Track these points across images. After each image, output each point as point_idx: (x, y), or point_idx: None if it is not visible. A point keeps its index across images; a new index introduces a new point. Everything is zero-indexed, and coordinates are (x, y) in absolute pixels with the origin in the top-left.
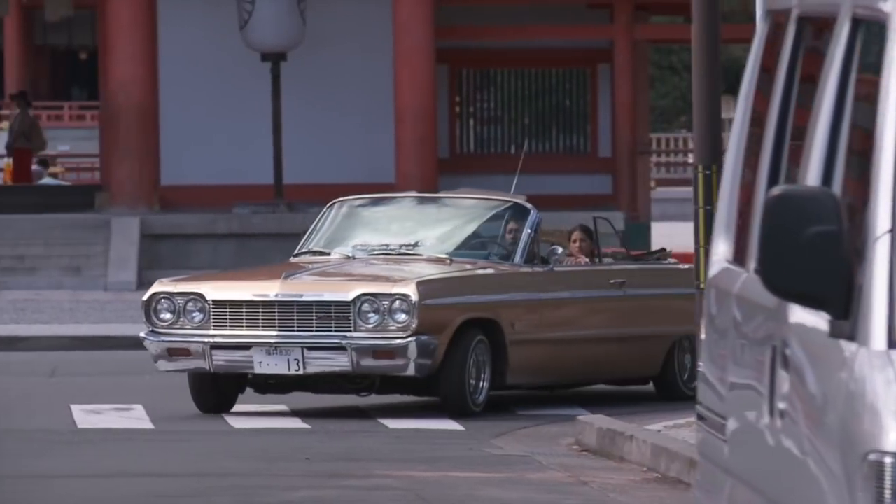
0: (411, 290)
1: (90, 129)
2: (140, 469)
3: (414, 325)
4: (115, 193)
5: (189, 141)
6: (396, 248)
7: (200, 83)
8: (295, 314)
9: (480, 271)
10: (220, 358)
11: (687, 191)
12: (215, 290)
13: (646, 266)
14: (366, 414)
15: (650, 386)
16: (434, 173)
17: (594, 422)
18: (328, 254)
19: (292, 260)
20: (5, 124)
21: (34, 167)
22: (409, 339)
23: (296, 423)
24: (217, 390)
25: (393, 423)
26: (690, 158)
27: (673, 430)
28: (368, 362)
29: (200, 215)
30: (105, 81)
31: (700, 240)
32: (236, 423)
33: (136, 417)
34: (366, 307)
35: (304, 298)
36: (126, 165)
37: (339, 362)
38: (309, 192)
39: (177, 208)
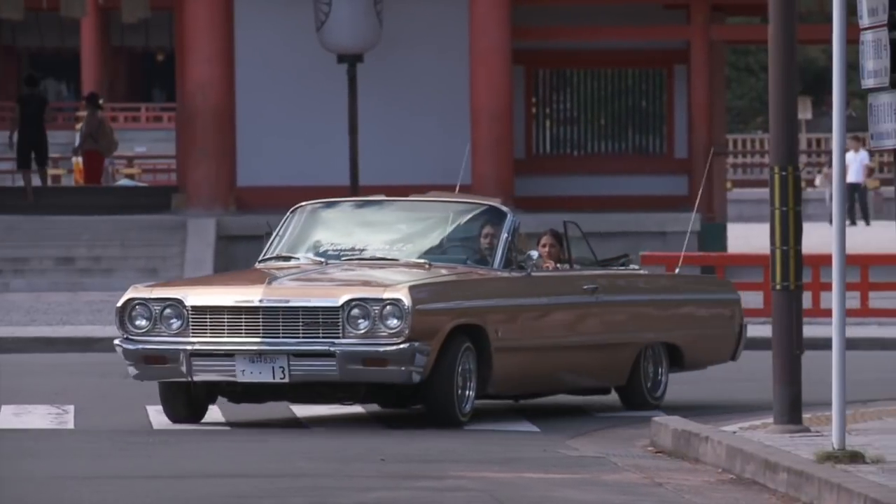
0: (404, 295)
1: (167, 131)
2: (215, 470)
3: (407, 332)
4: (191, 195)
5: (265, 142)
6: (370, 252)
7: (277, 85)
8: (280, 320)
9: (467, 276)
10: (201, 366)
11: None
12: (195, 296)
13: (618, 272)
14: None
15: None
16: (510, 175)
17: (669, 423)
18: (297, 258)
19: (258, 266)
20: (82, 126)
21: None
22: (403, 345)
23: (371, 424)
24: (189, 399)
25: (468, 425)
26: (767, 159)
27: (748, 431)
28: (358, 370)
29: (276, 217)
30: (182, 83)
31: (776, 241)
32: (312, 423)
33: (210, 419)
34: (355, 312)
35: (290, 304)
36: (202, 167)
37: (327, 370)
38: (384, 193)
39: (252, 210)
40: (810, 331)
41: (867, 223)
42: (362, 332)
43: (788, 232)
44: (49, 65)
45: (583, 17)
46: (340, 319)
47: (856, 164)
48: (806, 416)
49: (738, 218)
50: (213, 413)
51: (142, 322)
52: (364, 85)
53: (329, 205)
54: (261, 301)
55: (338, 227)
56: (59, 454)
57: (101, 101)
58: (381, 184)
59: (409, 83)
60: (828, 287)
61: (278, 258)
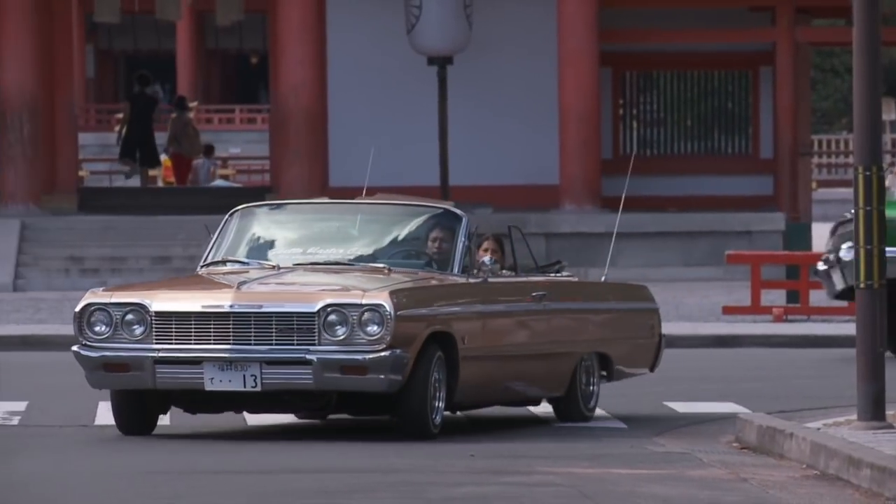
0: (385, 301)
1: (260, 132)
2: (307, 465)
3: (388, 339)
4: (284, 195)
5: (357, 143)
6: (324, 256)
7: (368, 86)
8: (252, 326)
9: (437, 282)
10: (165, 374)
11: (848, 192)
12: (159, 302)
13: (559, 279)
14: (529, 412)
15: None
16: (597, 175)
17: (754, 420)
18: (247, 263)
19: (200, 271)
20: (169, 128)
21: (198, 160)
22: (384, 352)
23: (463, 419)
24: (141, 410)
25: (557, 422)
26: (851, 160)
27: (832, 427)
28: (335, 378)
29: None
30: (275, 85)
31: (860, 240)
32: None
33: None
34: (333, 318)
35: (263, 309)
36: (295, 167)
37: (302, 378)
38: (474, 193)
39: None
40: None
41: None
42: (340, 338)
43: (872, 231)
44: (145, 67)
45: (669, 19)
46: (316, 326)
47: None
48: (889, 412)
49: (822, 218)
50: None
51: (101, 328)
52: (454, 86)
53: (271, 207)
54: (231, 306)
55: (285, 230)
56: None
57: (188, 105)
58: (470, 184)
59: (497, 85)
60: None
61: (225, 262)
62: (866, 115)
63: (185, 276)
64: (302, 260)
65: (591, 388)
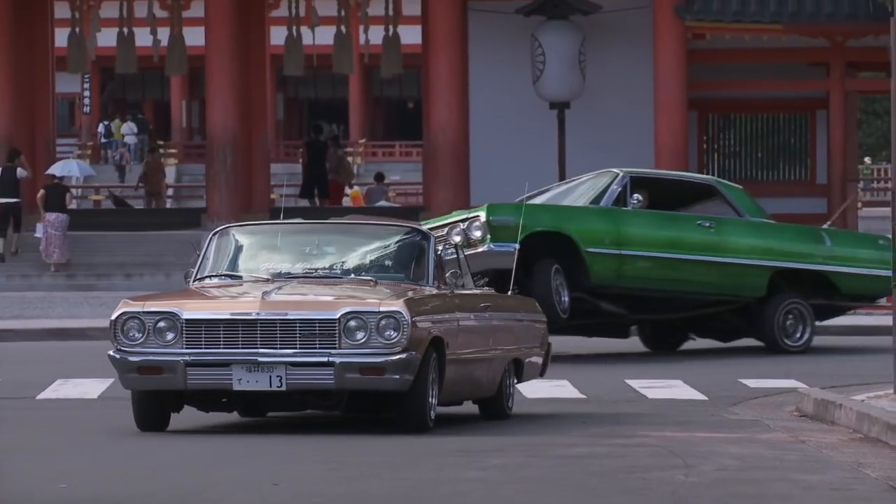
0: (402, 308)
1: (416, 163)
2: (448, 429)
3: (404, 342)
4: (434, 213)
5: (492, 171)
6: (313, 270)
7: (501, 126)
8: (278, 332)
9: (427, 292)
10: (196, 376)
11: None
12: (189, 310)
13: (492, 293)
14: (630, 387)
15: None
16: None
17: (811, 393)
18: (241, 276)
19: (194, 285)
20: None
21: (371, 186)
22: (402, 355)
23: (575, 394)
24: (160, 408)
25: (651, 395)
26: (889, 185)
27: (874, 399)
28: (355, 378)
29: None
30: (427, 125)
31: None
32: (528, 394)
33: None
34: (353, 324)
35: (288, 316)
36: (443, 191)
37: (324, 379)
38: None
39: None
40: None
41: None
42: (359, 342)
43: None
44: (323, 111)
45: (744, 72)
46: (337, 331)
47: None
48: None
49: (866, 230)
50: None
51: (136, 334)
52: (570, 126)
53: (250, 228)
54: (258, 314)
55: (268, 248)
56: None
57: (342, 142)
58: None
59: (605, 125)
60: None
61: (220, 276)
62: None
63: (179, 290)
64: (294, 274)
65: (511, 389)
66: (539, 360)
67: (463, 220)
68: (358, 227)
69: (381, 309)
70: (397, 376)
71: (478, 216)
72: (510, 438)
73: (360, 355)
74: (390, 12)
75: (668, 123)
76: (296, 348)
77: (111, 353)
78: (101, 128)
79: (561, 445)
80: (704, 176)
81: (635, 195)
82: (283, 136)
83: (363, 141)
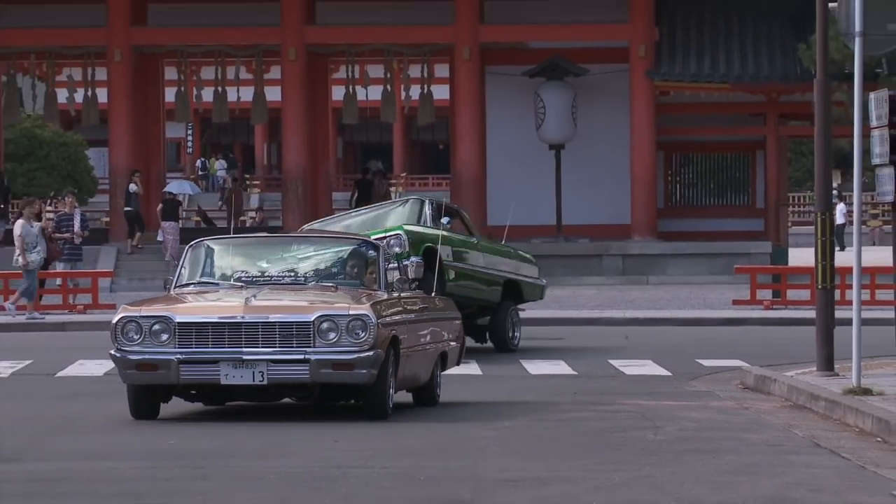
0: (370, 311)
1: (445, 192)
2: (469, 397)
3: (371, 341)
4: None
5: (504, 198)
6: (280, 277)
7: (511, 163)
8: (260, 333)
9: (383, 297)
10: (188, 371)
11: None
12: (181, 314)
13: (426, 296)
14: (612, 366)
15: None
16: (654, 218)
17: (752, 370)
18: (217, 284)
19: (174, 292)
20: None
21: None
22: (369, 352)
23: (569, 371)
24: (152, 399)
25: (628, 371)
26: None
27: (800, 375)
28: (328, 373)
29: (514, 244)
30: (454, 162)
31: (818, 258)
32: (532, 371)
33: (468, 369)
34: (325, 326)
35: (269, 319)
36: (469, 213)
37: (301, 373)
38: (577, 230)
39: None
40: (838, 314)
41: (842, 249)
42: (331, 341)
43: (826, 253)
44: (373, 151)
45: (700, 121)
46: (312, 332)
47: (838, 212)
48: (836, 366)
49: (794, 245)
50: (472, 366)
51: (134, 336)
52: (565, 163)
53: (221, 241)
54: (243, 317)
55: (239, 258)
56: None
57: (387, 175)
58: (574, 223)
59: (592, 163)
60: (849, 287)
61: (198, 284)
62: (822, 181)
63: (165, 296)
64: (264, 281)
65: (439, 378)
66: (457, 351)
67: (383, 238)
68: (317, 239)
69: (351, 312)
70: (364, 371)
71: (398, 234)
72: (519, 406)
73: (333, 353)
74: (425, 74)
75: (641, 161)
76: (275, 347)
77: (112, 352)
78: (199, 164)
79: (558, 411)
80: (450, 204)
81: (446, 217)
82: (342, 171)
83: (404, 175)
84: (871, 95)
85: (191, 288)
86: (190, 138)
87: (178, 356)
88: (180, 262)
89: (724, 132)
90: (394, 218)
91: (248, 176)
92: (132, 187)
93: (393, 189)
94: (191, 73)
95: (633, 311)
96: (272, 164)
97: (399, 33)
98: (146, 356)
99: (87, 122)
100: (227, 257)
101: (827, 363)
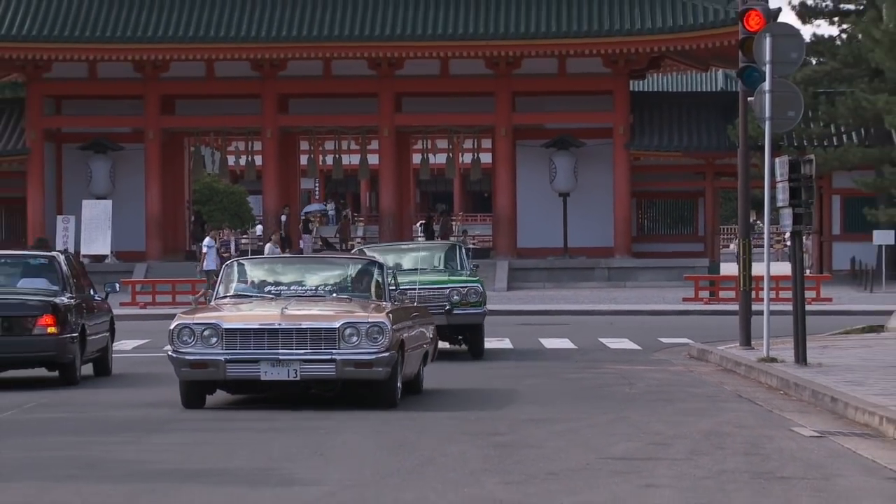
0: (386, 319)
1: (488, 225)
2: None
3: (387, 344)
4: (499, 253)
5: (529, 229)
6: (303, 291)
7: (533, 205)
8: (294, 338)
9: (390, 307)
10: (233, 369)
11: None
12: (227, 322)
13: (417, 305)
14: (601, 343)
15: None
16: (629, 242)
17: (695, 345)
18: (252, 296)
19: (215, 303)
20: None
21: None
22: (386, 353)
23: (571, 346)
24: (199, 392)
25: (612, 346)
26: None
27: (728, 349)
28: (351, 370)
29: (535, 260)
30: (494, 205)
31: (740, 269)
32: (547, 345)
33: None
34: (349, 331)
35: (301, 326)
36: (502, 239)
37: (328, 371)
38: (578, 251)
39: (524, 256)
40: (754, 308)
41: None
42: (353, 344)
43: (746, 265)
44: (440, 197)
45: (661, 178)
46: (337, 336)
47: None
48: (753, 343)
49: (724, 260)
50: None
51: (188, 339)
52: (570, 206)
53: (251, 261)
54: (279, 324)
55: (270, 274)
56: None
57: (450, 213)
58: (577, 246)
59: (588, 206)
60: (761, 289)
61: (234, 296)
62: (743, 218)
63: (210, 306)
64: (290, 293)
65: (422, 373)
66: (433, 350)
67: (463, 287)
68: (331, 259)
69: (370, 320)
70: (381, 369)
71: (477, 287)
72: (538, 369)
73: (355, 354)
74: (475, 146)
75: (621, 204)
76: (307, 349)
77: (169, 352)
78: (322, 207)
79: (564, 373)
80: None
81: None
82: (418, 211)
83: (461, 213)
84: (777, 160)
85: (228, 299)
86: (317, 188)
87: (226, 356)
88: (219, 278)
89: (677, 185)
90: (440, 259)
91: (355, 214)
92: (283, 217)
93: (454, 222)
94: (317, 144)
95: (615, 305)
96: (372, 206)
97: (457, 119)
98: (198, 356)
99: (247, 178)
100: (257, 274)
101: (746, 341)
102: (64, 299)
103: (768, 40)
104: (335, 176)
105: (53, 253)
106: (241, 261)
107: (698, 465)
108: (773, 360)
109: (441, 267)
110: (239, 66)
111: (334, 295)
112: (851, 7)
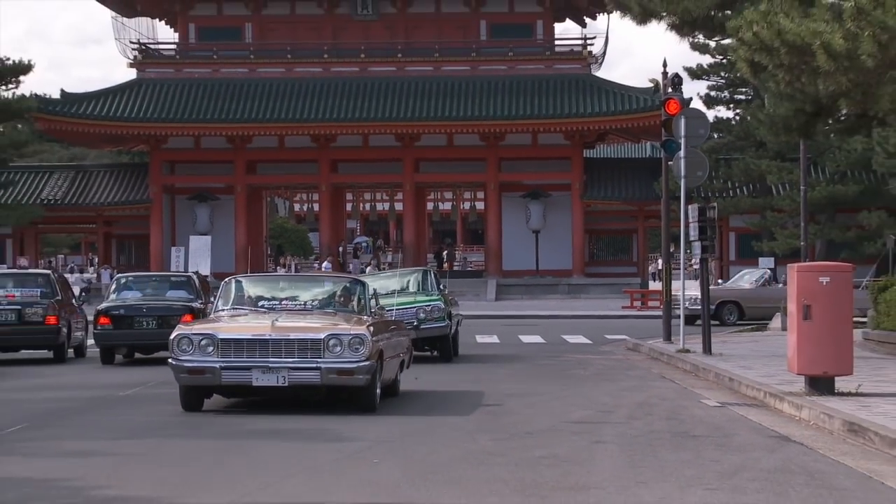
0: (366, 331)
1: (482, 254)
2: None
3: (367, 354)
4: (490, 273)
5: (511, 256)
6: (292, 305)
7: (513, 240)
8: (283, 347)
9: (372, 321)
10: (227, 375)
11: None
12: (222, 332)
13: (393, 319)
14: (562, 338)
15: None
16: (583, 266)
17: (631, 340)
18: (246, 309)
19: (213, 315)
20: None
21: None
22: (366, 362)
23: (541, 341)
24: (197, 396)
25: (570, 340)
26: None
27: (654, 343)
28: (334, 377)
29: (515, 278)
30: (486, 238)
31: (663, 285)
32: (525, 340)
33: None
34: (332, 342)
35: (290, 337)
36: (491, 265)
37: (313, 378)
38: (546, 272)
39: (507, 276)
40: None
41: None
42: (337, 354)
43: (667, 283)
44: (447, 233)
45: (606, 220)
46: (322, 346)
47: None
48: (672, 339)
49: (651, 280)
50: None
51: (187, 348)
52: (540, 240)
53: (247, 277)
54: (270, 335)
55: (263, 290)
56: None
57: (455, 245)
58: (546, 269)
59: (554, 240)
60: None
61: (231, 309)
62: (665, 249)
63: (208, 317)
64: (280, 307)
65: (399, 379)
66: (409, 358)
67: (427, 306)
68: (318, 277)
69: (352, 332)
70: (362, 376)
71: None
72: (517, 358)
73: (338, 363)
74: (472, 196)
75: (578, 238)
76: (294, 357)
77: (170, 360)
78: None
79: (537, 360)
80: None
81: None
82: (431, 243)
83: (462, 245)
84: (689, 207)
85: (225, 312)
86: (358, 227)
87: (221, 364)
88: (218, 293)
89: (617, 225)
90: (416, 282)
91: (386, 245)
92: (340, 248)
93: (457, 251)
94: (358, 195)
95: (573, 311)
96: (398, 240)
97: (459, 177)
98: (196, 364)
99: (308, 220)
100: (251, 289)
101: (668, 337)
102: (197, 304)
103: (683, 121)
104: (371, 218)
105: (189, 273)
106: (239, 278)
107: (633, 427)
108: (687, 351)
109: (414, 290)
110: (302, 140)
111: (321, 309)
112: (742, 97)
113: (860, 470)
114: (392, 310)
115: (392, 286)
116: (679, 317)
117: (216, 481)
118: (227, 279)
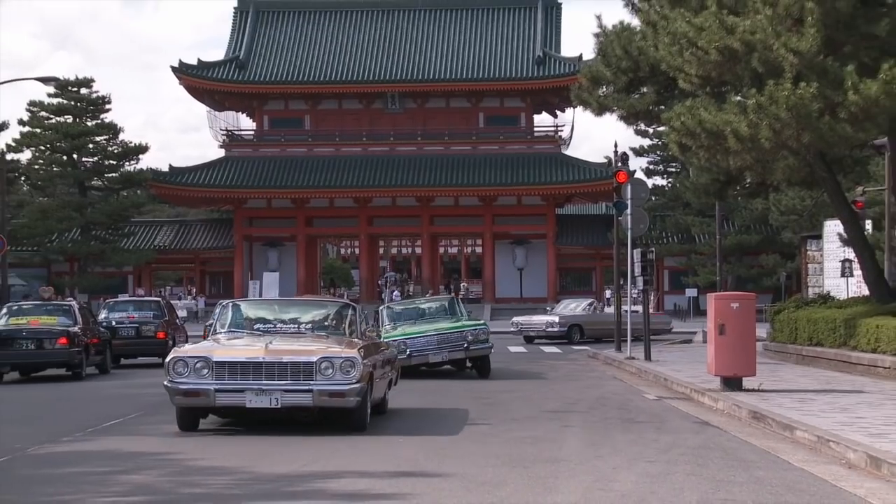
0: (357, 355)
1: (478, 285)
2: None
3: (358, 376)
4: (486, 300)
5: (502, 287)
6: (286, 328)
7: (504, 275)
8: (276, 370)
9: (362, 342)
10: (222, 397)
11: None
12: (217, 355)
13: (379, 341)
14: (541, 350)
15: None
16: (556, 294)
17: (591, 350)
18: (242, 332)
19: (211, 338)
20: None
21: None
22: (357, 384)
23: (523, 351)
24: (193, 417)
25: (547, 350)
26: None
27: (609, 353)
28: (326, 399)
29: (505, 304)
30: (483, 274)
31: (615, 308)
32: (512, 350)
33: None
34: (324, 365)
35: (283, 360)
36: (489, 293)
37: (305, 399)
38: (528, 299)
39: (499, 302)
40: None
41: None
42: (328, 376)
43: (618, 307)
44: (454, 271)
45: (572, 260)
46: (314, 369)
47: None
48: (623, 349)
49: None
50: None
51: (182, 370)
52: (524, 276)
53: (243, 301)
54: (263, 358)
55: (259, 313)
56: None
57: (461, 281)
58: (528, 296)
59: (533, 273)
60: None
61: (228, 332)
62: (617, 282)
63: (204, 341)
64: (275, 331)
65: (387, 397)
66: (396, 377)
67: (473, 328)
68: (311, 301)
69: (343, 355)
70: (353, 398)
71: (485, 328)
72: (505, 365)
73: (330, 385)
74: (473, 243)
75: (552, 274)
76: (287, 380)
77: (166, 383)
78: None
79: (519, 365)
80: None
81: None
82: (442, 277)
83: (466, 279)
84: (635, 251)
85: (222, 335)
86: (388, 265)
87: (215, 386)
88: (216, 316)
89: (581, 264)
90: (444, 306)
91: (409, 278)
92: (380, 281)
93: (462, 284)
94: (388, 242)
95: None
96: (418, 274)
97: (463, 229)
98: (191, 386)
99: (351, 260)
100: (248, 313)
101: (619, 348)
102: (75, 329)
103: (629, 187)
104: (398, 259)
105: (70, 302)
106: (237, 301)
107: (593, 415)
108: (633, 358)
109: (448, 314)
110: (346, 201)
111: (314, 332)
112: (673, 170)
113: (762, 447)
114: (439, 333)
115: (433, 305)
116: (627, 332)
117: (279, 459)
118: (224, 302)
